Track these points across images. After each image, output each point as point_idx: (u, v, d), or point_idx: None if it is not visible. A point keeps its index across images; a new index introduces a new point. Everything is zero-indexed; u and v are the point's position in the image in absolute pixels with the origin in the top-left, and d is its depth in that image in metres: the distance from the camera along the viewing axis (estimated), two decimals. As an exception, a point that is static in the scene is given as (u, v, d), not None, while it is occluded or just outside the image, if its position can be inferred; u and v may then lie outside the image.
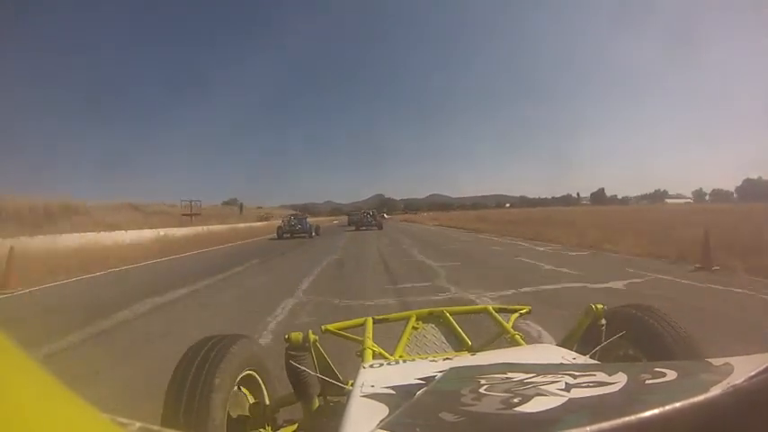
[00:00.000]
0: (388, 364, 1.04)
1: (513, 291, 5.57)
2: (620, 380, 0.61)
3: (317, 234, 22.53)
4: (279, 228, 22.32)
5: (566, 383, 0.63)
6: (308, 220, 23.71)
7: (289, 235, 21.50)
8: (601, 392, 0.58)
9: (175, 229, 21.35)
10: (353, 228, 28.92)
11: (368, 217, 29.44)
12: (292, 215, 25.16)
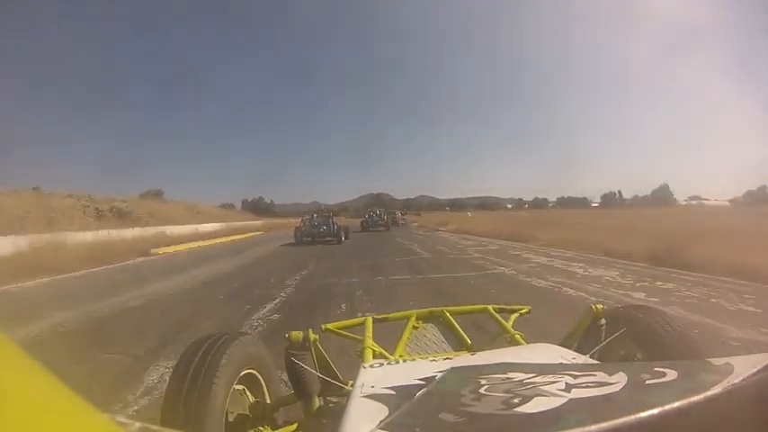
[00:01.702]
0: (388, 363, 1.04)
1: None
2: (620, 380, 0.61)
3: (346, 238, 17.73)
4: (296, 229, 17.60)
5: (566, 383, 0.63)
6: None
7: (310, 239, 16.73)
8: (601, 392, 0.58)
9: None
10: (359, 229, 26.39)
11: (374, 217, 27.69)
12: (315, 214, 19.57)
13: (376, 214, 28.33)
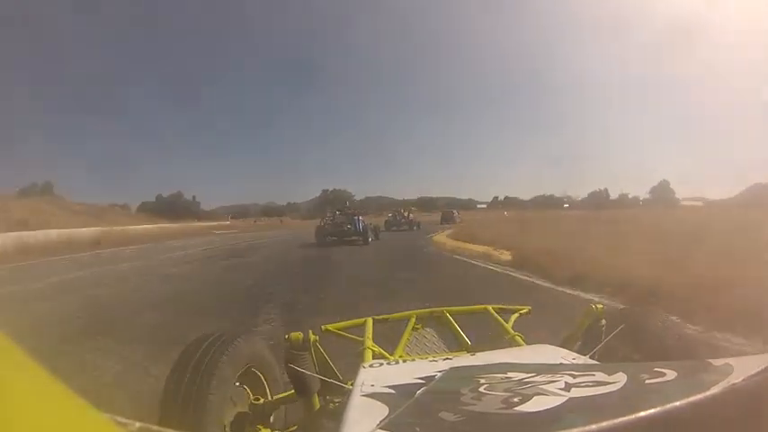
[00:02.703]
0: (388, 364, 1.04)
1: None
2: (619, 379, 0.61)
3: (376, 238, 16.36)
4: (318, 228, 15.91)
5: (565, 383, 0.63)
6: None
7: (336, 238, 15.29)
8: (601, 392, 0.58)
9: None
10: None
11: (397, 217, 26.18)
12: (338, 210, 17.54)
13: (399, 214, 27.04)
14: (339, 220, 16.06)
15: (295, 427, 1.30)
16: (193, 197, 59.53)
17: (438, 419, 0.56)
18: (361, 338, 1.50)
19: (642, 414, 0.42)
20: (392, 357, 1.33)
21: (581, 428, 0.42)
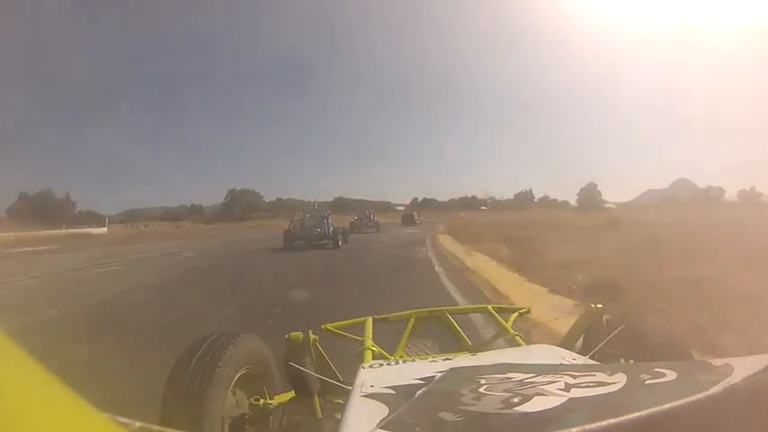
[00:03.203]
0: (388, 364, 1.04)
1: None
2: (619, 380, 0.61)
3: (344, 241, 15.60)
4: (286, 232, 15.17)
5: (565, 383, 0.63)
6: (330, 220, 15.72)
7: (305, 242, 14.60)
8: (601, 392, 0.58)
9: None
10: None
11: (363, 219, 27.28)
12: (307, 214, 16.75)
13: (366, 216, 28.14)
14: (308, 224, 15.38)
15: (296, 426, 1.30)
16: (67, 195, 46.77)
17: (438, 419, 0.56)
18: (360, 338, 1.50)
19: (642, 414, 0.42)
20: (392, 358, 1.33)
21: (581, 428, 0.42)
